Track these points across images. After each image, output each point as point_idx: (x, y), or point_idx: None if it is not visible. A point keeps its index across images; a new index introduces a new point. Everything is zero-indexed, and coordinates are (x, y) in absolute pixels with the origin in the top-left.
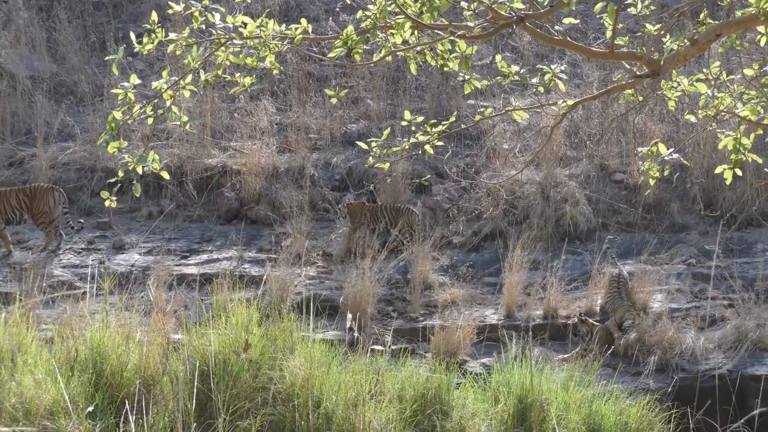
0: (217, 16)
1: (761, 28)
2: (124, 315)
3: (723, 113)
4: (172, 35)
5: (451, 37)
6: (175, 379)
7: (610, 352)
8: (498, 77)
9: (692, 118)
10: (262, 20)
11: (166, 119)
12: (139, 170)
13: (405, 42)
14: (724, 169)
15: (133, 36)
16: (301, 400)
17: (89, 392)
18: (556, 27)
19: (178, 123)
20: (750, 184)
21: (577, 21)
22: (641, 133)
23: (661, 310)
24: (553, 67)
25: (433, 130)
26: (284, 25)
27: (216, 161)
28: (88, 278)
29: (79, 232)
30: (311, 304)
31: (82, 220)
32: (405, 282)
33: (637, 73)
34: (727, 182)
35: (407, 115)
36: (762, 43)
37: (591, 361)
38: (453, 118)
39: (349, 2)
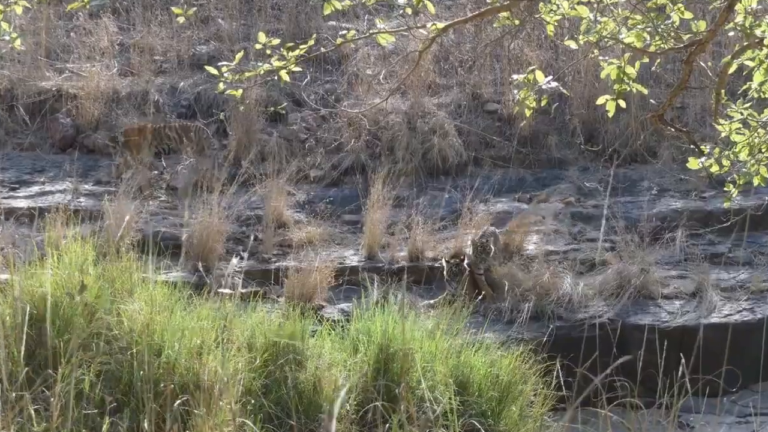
0: None
1: None
2: None
3: (606, 39)
4: None
5: None
6: (1, 323)
7: (480, 298)
8: None
9: (573, 45)
10: None
11: None
12: None
13: None
14: (607, 100)
15: None
16: (140, 348)
17: None
18: None
19: (8, 40)
20: (635, 117)
21: None
22: (517, 60)
23: (536, 253)
24: None
25: (290, 54)
26: None
27: (51, 84)
28: None
29: None
30: (153, 243)
31: None
32: (257, 219)
33: None
34: (610, 114)
35: (262, 37)
36: None
37: (459, 308)
38: (312, 41)
39: None
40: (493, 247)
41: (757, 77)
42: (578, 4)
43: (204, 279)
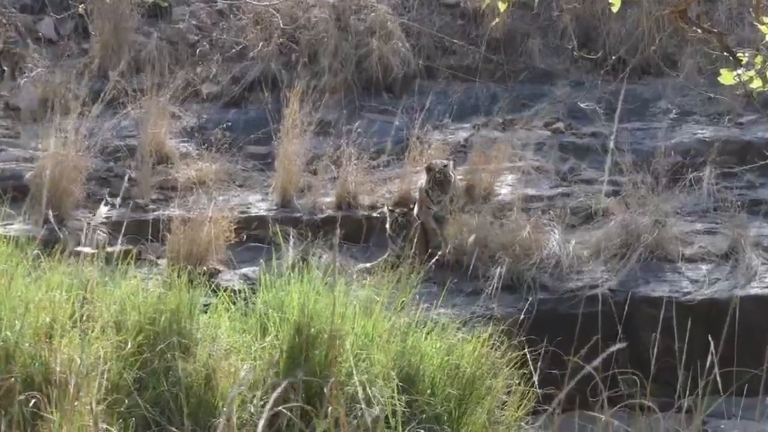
0: None
1: None
2: None
3: None
4: None
5: None
6: None
7: (434, 260)
8: None
9: None
10: None
11: None
12: None
13: None
14: None
15: None
16: None
17: None
18: None
19: None
20: (647, 13)
21: None
22: None
23: (511, 199)
24: None
25: None
26: None
27: None
28: None
29: None
30: None
31: None
32: (129, 152)
33: None
34: (614, 9)
35: None
36: None
37: (406, 274)
38: None
39: None
40: (450, 184)
41: None
42: None
43: (56, 233)
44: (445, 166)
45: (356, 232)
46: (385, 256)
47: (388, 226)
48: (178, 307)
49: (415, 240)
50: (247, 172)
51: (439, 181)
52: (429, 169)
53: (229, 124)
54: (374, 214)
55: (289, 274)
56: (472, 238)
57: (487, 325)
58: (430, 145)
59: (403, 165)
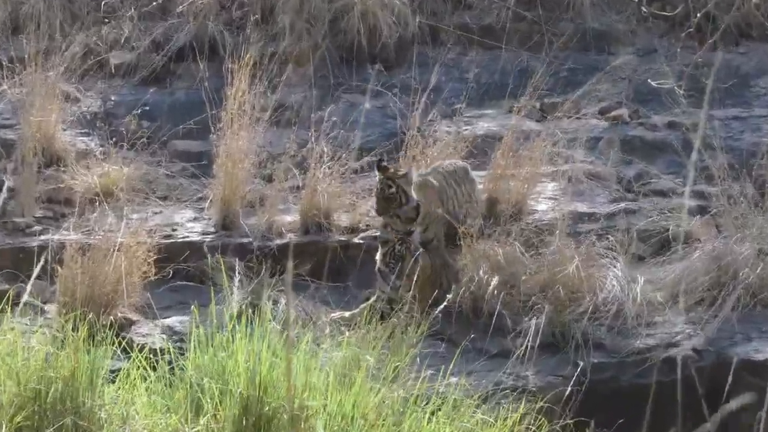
0: None
1: None
2: None
3: None
4: None
5: None
6: None
7: (440, 307)
8: None
9: None
10: None
11: None
12: None
13: None
14: None
15: None
16: None
17: None
18: None
19: None
20: None
21: None
22: None
23: (552, 218)
24: None
25: None
26: None
27: None
28: None
29: None
30: None
31: None
32: (4, 149)
33: None
34: None
35: None
36: None
37: (402, 326)
38: None
39: None
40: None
41: None
42: None
43: None
44: (422, 176)
45: (330, 266)
46: (372, 300)
47: (378, 256)
48: (73, 374)
49: (416, 277)
50: (174, 178)
51: (388, 196)
52: (380, 168)
53: (148, 109)
54: (356, 240)
55: (234, 326)
56: (496, 279)
57: (519, 402)
58: (435, 140)
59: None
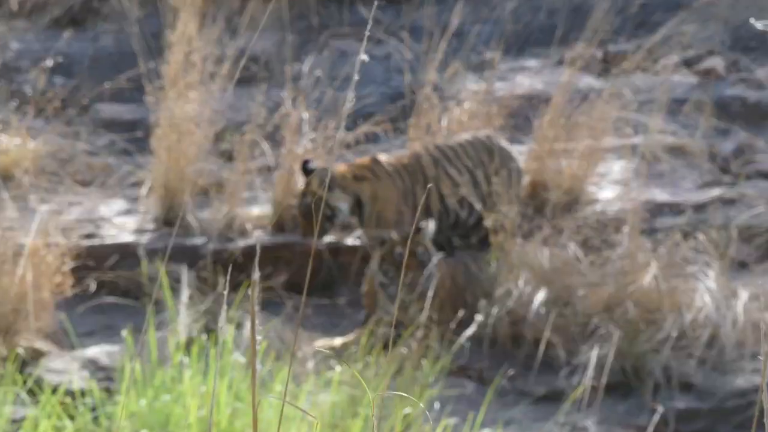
0: None
1: None
2: None
3: None
4: None
5: None
6: None
7: (468, 333)
8: None
9: None
10: None
11: None
12: None
13: None
14: None
15: None
16: None
17: None
18: None
19: None
20: None
21: None
22: None
23: (620, 210)
24: None
25: None
26: None
27: None
28: None
29: None
30: None
31: None
32: None
33: None
34: None
35: None
36: None
37: (415, 359)
38: None
39: None
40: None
41: None
42: None
43: None
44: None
45: (315, 276)
46: (370, 323)
47: (374, 263)
48: None
49: (433, 292)
50: (98, 156)
51: (305, 212)
52: (305, 171)
53: (62, 61)
54: (349, 242)
55: (181, 360)
56: (542, 294)
57: None
58: (458, 101)
59: (404, 142)
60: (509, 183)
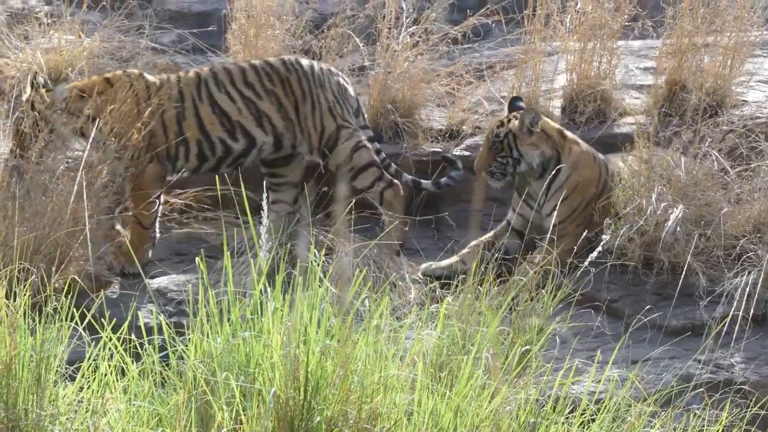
0: None
1: None
2: None
3: None
4: None
5: None
6: None
7: (593, 256)
8: None
9: None
10: None
11: None
12: None
13: None
14: None
15: None
16: None
17: None
18: None
19: None
20: None
21: None
22: None
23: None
24: None
25: None
26: None
27: None
28: None
29: None
30: None
31: None
32: None
33: None
34: None
35: None
36: None
37: (532, 285)
38: None
39: None
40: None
41: None
42: None
43: None
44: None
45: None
46: (486, 237)
47: (487, 171)
48: (8, 367)
49: (564, 196)
50: (165, 55)
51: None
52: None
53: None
54: (455, 152)
55: (262, 290)
56: (679, 211)
57: (720, 407)
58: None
59: (520, 36)
60: (313, 114)
